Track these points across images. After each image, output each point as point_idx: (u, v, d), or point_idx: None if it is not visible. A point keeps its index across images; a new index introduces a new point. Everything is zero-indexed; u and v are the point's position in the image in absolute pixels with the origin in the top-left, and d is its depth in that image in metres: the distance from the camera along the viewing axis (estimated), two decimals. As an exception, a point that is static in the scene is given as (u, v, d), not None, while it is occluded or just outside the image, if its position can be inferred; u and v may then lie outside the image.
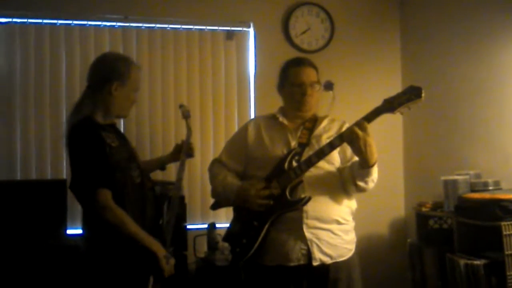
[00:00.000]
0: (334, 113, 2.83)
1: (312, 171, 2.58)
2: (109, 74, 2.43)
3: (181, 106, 2.87)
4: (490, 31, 3.68)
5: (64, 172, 4.08)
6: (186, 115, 2.82)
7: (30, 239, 3.58)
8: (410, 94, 2.40)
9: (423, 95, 2.38)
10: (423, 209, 3.83)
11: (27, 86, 4.10)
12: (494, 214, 3.06)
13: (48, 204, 3.74)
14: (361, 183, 2.54)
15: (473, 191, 3.44)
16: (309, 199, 2.51)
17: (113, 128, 2.50)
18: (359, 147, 2.40)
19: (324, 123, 2.74)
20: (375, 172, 2.53)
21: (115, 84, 2.42)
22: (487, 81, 3.72)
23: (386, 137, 4.59)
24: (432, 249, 3.68)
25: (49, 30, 4.15)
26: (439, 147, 4.24)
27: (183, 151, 2.75)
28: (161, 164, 2.91)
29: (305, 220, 2.54)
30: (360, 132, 2.38)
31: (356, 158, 2.54)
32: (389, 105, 2.43)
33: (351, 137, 2.41)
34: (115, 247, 2.31)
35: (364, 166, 2.47)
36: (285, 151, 2.63)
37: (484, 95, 3.75)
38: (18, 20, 4.08)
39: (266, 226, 2.57)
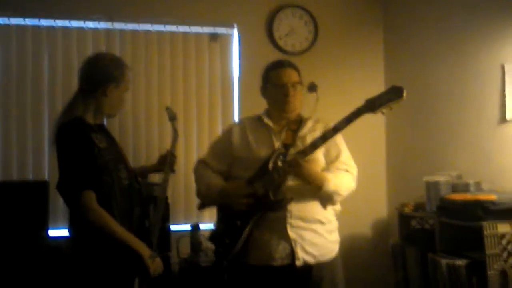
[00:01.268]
0: (318, 115, 2.85)
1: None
2: (104, 77, 2.42)
3: (167, 108, 2.88)
4: (470, 34, 3.73)
5: (46, 173, 4.05)
6: (172, 118, 2.82)
7: (11, 240, 3.55)
8: (392, 94, 2.44)
9: (404, 94, 2.42)
10: (405, 209, 3.86)
11: (9, 87, 4.06)
12: (475, 215, 3.09)
13: (29, 206, 3.71)
14: (330, 203, 2.63)
15: (454, 192, 3.47)
16: (291, 199, 2.54)
17: (102, 128, 2.50)
18: (301, 175, 2.52)
19: (309, 124, 2.77)
20: (335, 186, 2.58)
21: (110, 87, 2.42)
22: (467, 83, 3.76)
23: (369, 138, 4.62)
24: (415, 249, 3.71)
25: (31, 30, 4.11)
26: (421, 149, 4.28)
27: (168, 159, 2.74)
28: (143, 173, 2.89)
29: (289, 220, 2.56)
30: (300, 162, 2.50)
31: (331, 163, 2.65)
32: (371, 105, 2.47)
33: (292, 166, 2.51)
34: (100, 248, 2.29)
35: (317, 190, 2.55)
36: (269, 152, 2.65)
37: (464, 96, 3.79)
38: (0, 21, 4.05)
39: (249, 225, 2.59)
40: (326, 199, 2.60)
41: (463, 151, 3.80)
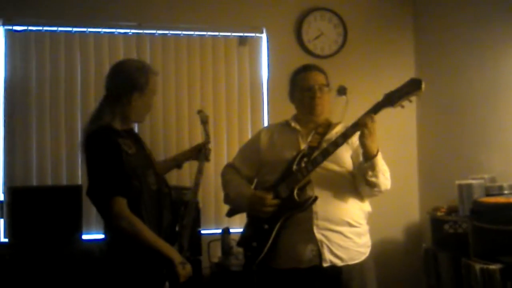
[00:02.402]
0: (348, 118, 2.83)
1: (321, 172, 2.59)
2: (128, 85, 2.42)
3: (199, 111, 2.90)
4: (505, 36, 3.67)
5: (79, 178, 4.13)
6: (204, 121, 2.85)
7: (46, 244, 3.62)
8: (410, 87, 2.43)
9: (423, 86, 2.40)
10: (438, 213, 3.82)
11: (43, 93, 4.15)
12: (509, 218, 3.04)
13: (63, 210, 3.78)
14: (372, 179, 2.51)
15: (488, 195, 3.42)
16: (315, 199, 2.52)
17: (130, 134, 2.51)
18: (368, 132, 2.43)
19: (338, 128, 2.75)
20: (382, 164, 2.53)
21: (135, 95, 2.42)
22: (502, 85, 3.70)
23: (400, 141, 4.59)
24: (447, 254, 3.67)
25: (64, 37, 4.20)
26: (453, 151, 4.22)
27: (201, 156, 2.76)
28: (177, 163, 2.90)
29: (315, 221, 2.55)
30: (368, 119, 2.43)
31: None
32: (390, 99, 2.46)
33: (364, 123, 2.43)
34: (131, 252, 2.31)
35: (369, 156, 2.48)
36: (294, 154, 2.65)
37: (499, 99, 3.73)
38: (34, 28, 4.14)
39: (276, 228, 2.58)
40: (372, 171, 2.50)
41: (496, 153, 3.74)
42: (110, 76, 2.49)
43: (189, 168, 3.89)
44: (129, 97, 2.42)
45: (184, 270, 2.34)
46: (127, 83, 2.43)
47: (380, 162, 2.52)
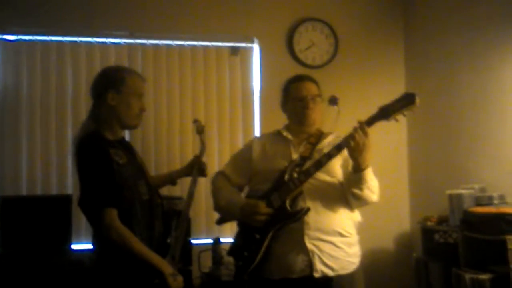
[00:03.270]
0: (339, 128, 2.84)
1: (313, 183, 2.59)
2: (103, 84, 2.42)
3: (195, 121, 2.90)
4: (494, 45, 3.70)
5: (69, 188, 4.10)
6: (200, 130, 2.84)
7: (35, 254, 3.59)
8: (405, 101, 2.45)
9: (417, 101, 2.42)
10: (429, 223, 3.83)
11: (34, 103, 4.14)
12: (499, 228, 3.05)
13: (53, 219, 3.76)
14: (356, 190, 2.53)
15: (478, 205, 3.43)
16: (308, 210, 2.53)
17: (122, 143, 2.48)
18: (356, 146, 2.43)
19: (329, 138, 2.76)
20: (370, 179, 2.54)
21: (110, 94, 2.38)
22: (492, 95, 3.73)
23: (391, 151, 4.60)
24: (438, 263, 3.67)
25: (56, 47, 4.20)
26: (444, 161, 4.24)
27: (195, 168, 2.75)
28: (171, 179, 2.89)
29: (306, 231, 2.55)
30: (361, 133, 2.43)
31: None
32: (384, 113, 2.48)
33: (352, 136, 2.43)
34: (122, 264, 2.29)
35: (357, 169, 2.49)
36: (286, 164, 2.65)
37: (489, 108, 3.76)
38: (25, 38, 4.14)
39: (268, 238, 2.58)
40: (357, 184, 2.52)
41: (486, 164, 3.76)
42: (91, 83, 2.49)
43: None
44: (105, 97, 2.39)
45: (176, 282, 2.32)
46: (102, 83, 2.42)
47: (369, 176, 2.53)
